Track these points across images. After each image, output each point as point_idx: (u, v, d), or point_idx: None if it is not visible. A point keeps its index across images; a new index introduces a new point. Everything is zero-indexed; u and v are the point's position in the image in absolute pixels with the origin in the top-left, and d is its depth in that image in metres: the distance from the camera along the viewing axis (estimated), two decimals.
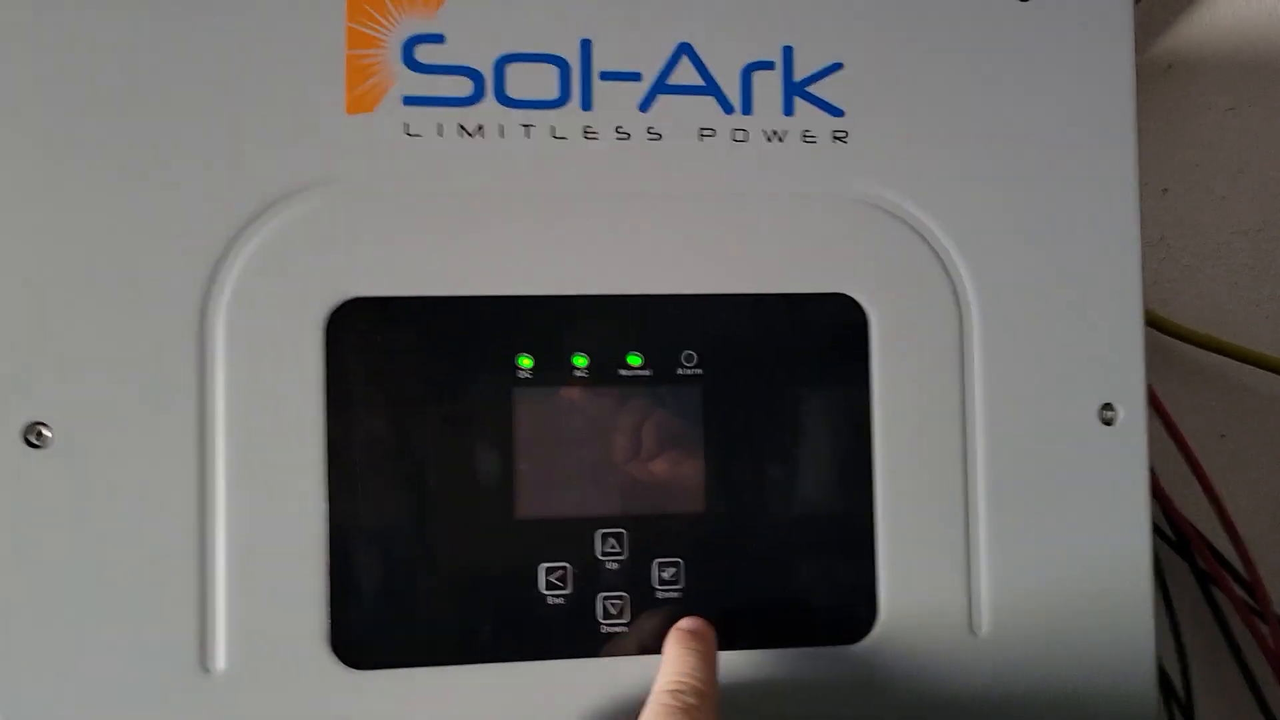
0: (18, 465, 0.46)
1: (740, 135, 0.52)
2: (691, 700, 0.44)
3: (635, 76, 0.52)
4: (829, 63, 0.53)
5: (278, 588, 0.47)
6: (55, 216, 0.47)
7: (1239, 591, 0.74)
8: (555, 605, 0.49)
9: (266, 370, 0.48)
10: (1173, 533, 0.76)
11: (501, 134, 0.50)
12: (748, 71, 0.52)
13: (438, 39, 0.50)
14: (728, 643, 0.50)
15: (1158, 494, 0.73)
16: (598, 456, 0.51)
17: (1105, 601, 0.53)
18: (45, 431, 0.46)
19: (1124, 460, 0.53)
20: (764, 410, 0.52)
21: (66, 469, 0.46)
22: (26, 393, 0.46)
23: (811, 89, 0.53)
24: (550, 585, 0.49)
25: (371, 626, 0.48)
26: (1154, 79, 0.82)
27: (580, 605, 0.50)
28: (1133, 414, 0.54)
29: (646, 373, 0.51)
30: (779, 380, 0.52)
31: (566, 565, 0.50)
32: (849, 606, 0.51)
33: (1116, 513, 0.53)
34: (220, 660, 0.47)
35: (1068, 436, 0.53)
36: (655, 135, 0.52)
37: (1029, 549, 0.52)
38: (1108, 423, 0.53)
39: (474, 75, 0.50)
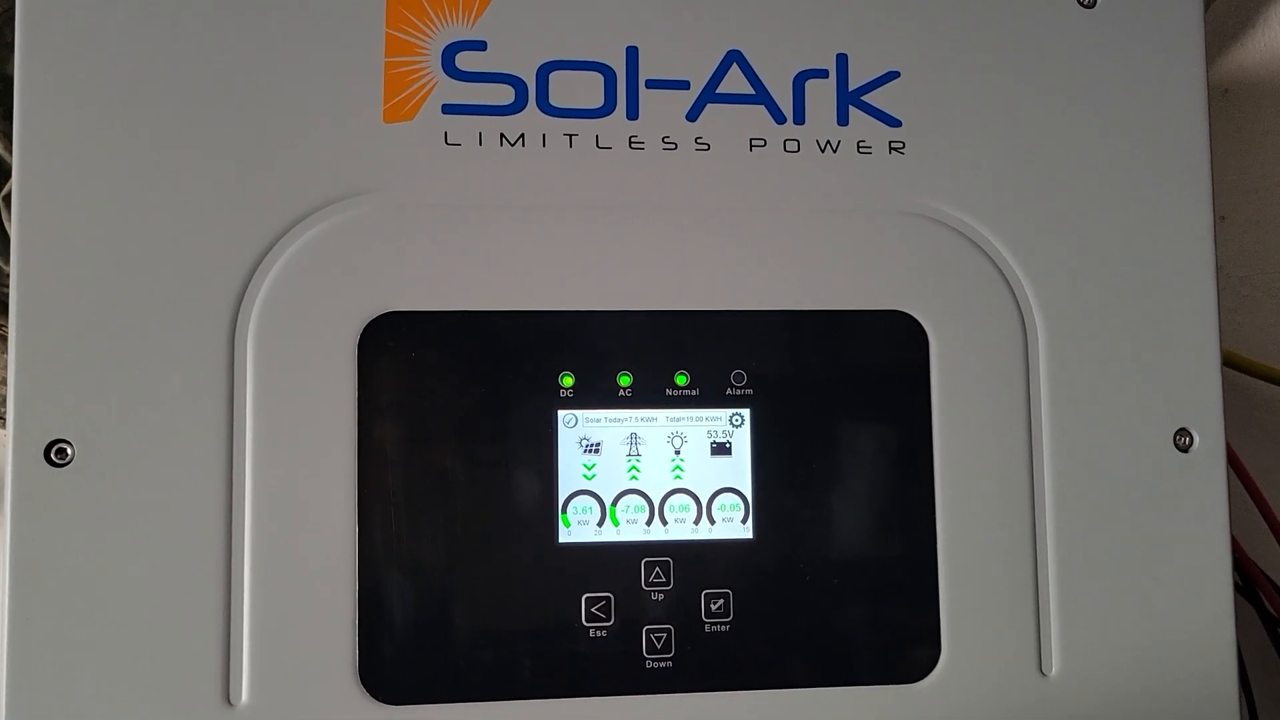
0: (39, 484, 0.44)
1: (792, 145, 0.51)
2: None
3: (683, 85, 0.50)
4: (885, 71, 0.51)
5: (305, 616, 0.46)
6: (79, 228, 0.46)
7: None
8: (597, 638, 0.47)
9: (297, 388, 0.46)
10: (1238, 575, 0.72)
11: (544, 143, 0.49)
12: (800, 80, 0.51)
13: (479, 46, 0.49)
14: (779, 680, 0.48)
15: None
16: None
17: (1183, 640, 0.50)
18: (68, 449, 0.45)
19: (1201, 489, 0.51)
20: (817, 433, 0.50)
21: (88, 489, 0.45)
22: (49, 408, 0.45)
23: (867, 98, 0.51)
24: (592, 617, 0.47)
25: (403, 659, 0.46)
26: (1211, 104, 0.79)
27: (624, 638, 0.48)
28: (1210, 440, 0.51)
29: (693, 393, 0.49)
30: (833, 401, 0.50)
31: (610, 596, 0.48)
32: (909, 643, 0.49)
33: (1194, 544, 0.50)
34: (244, 693, 0.45)
35: (1141, 464, 0.50)
36: (704, 145, 0.50)
37: (1101, 583, 0.50)
38: (1183, 449, 0.51)
39: (516, 83, 0.49)
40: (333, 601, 0.46)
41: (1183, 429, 0.51)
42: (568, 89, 0.49)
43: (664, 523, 0.48)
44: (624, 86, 0.50)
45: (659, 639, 0.48)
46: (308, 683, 0.45)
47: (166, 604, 0.45)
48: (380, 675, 0.46)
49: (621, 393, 0.49)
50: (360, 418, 0.47)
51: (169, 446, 0.45)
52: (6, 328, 0.51)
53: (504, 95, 0.49)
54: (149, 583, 0.45)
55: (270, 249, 0.47)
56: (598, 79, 0.50)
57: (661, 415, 0.49)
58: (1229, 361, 0.73)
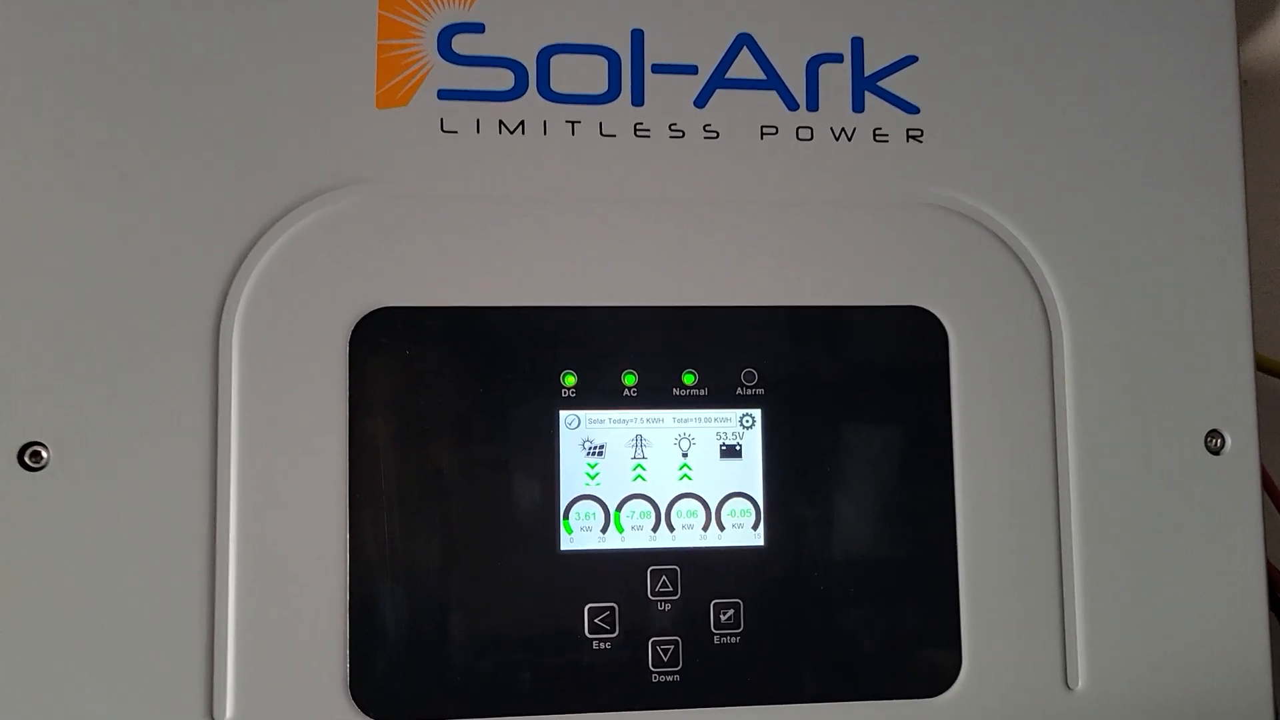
0: (12, 488, 0.43)
1: (805, 134, 0.49)
2: None
3: (691, 70, 0.49)
4: (902, 55, 0.50)
5: (293, 628, 0.44)
6: (54, 220, 0.44)
7: None
8: (601, 650, 0.46)
9: (285, 388, 0.45)
10: None
11: (545, 131, 0.48)
12: (814, 64, 0.50)
13: (477, 28, 0.48)
14: (792, 695, 0.47)
15: None
16: None
17: (1215, 651, 0.49)
18: (42, 452, 0.43)
19: (1234, 493, 0.49)
20: (831, 435, 0.48)
21: (64, 494, 0.43)
22: (22, 409, 0.43)
23: (883, 84, 0.50)
24: (595, 628, 0.46)
25: (396, 672, 0.45)
26: None
27: (628, 651, 0.46)
28: (1242, 441, 0.50)
29: (702, 392, 0.48)
30: (848, 402, 0.48)
31: (614, 606, 0.46)
32: (929, 655, 0.48)
33: (1226, 551, 0.49)
34: (229, 708, 0.43)
35: (1170, 467, 0.49)
36: (712, 133, 0.49)
37: (1128, 593, 0.48)
38: (1215, 452, 0.49)
39: (516, 67, 0.48)
40: (322, 612, 0.44)
41: (1214, 430, 0.50)
42: (570, 74, 0.48)
43: (671, 529, 0.47)
44: (629, 71, 0.48)
45: (665, 651, 0.46)
46: (296, 697, 0.44)
47: (147, 614, 0.43)
48: (372, 689, 0.44)
49: (626, 392, 0.47)
50: (352, 419, 0.45)
51: (149, 449, 0.44)
52: None
53: (503, 80, 0.48)
54: (128, 592, 0.43)
55: (257, 241, 0.45)
56: (601, 63, 0.48)
57: (668, 416, 0.48)
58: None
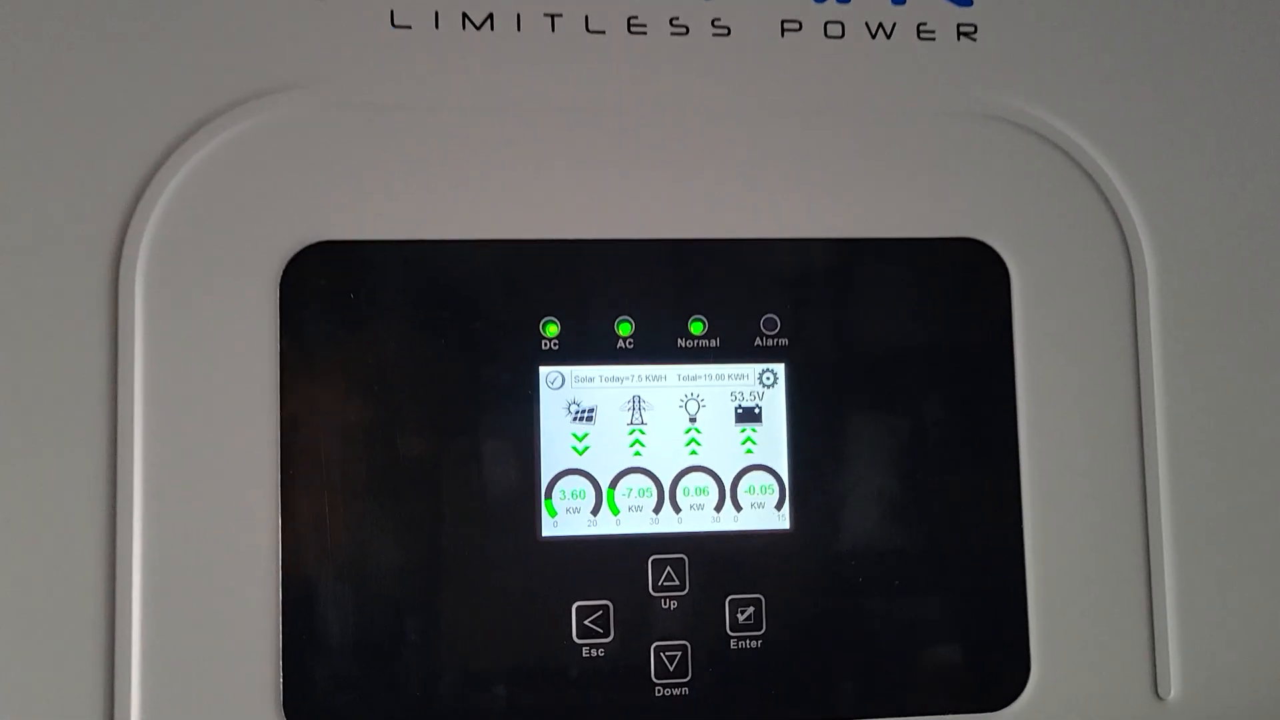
0: None
1: (835, 30, 0.46)
2: None
3: None
4: None
5: (213, 632, 0.41)
6: None
7: None
8: (592, 658, 0.43)
9: (200, 342, 0.42)
10: None
11: (518, 26, 0.45)
12: None
13: None
14: (822, 709, 0.44)
15: None
16: None
17: None
18: None
19: None
20: (869, 396, 0.45)
21: None
22: None
23: None
24: (585, 631, 0.43)
25: (339, 686, 0.42)
26: None
27: (626, 658, 0.43)
28: None
29: (712, 344, 0.45)
30: (890, 355, 0.46)
31: (608, 604, 0.43)
32: (990, 662, 0.45)
33: None
34: None
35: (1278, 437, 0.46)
36: (722, 30, 0.46)
37: (1229, 586, 0.45)
38: None
39: None
40: (250, 614, 0.41)
41: None
42: None
43: (676, 510, 0.44)
44: None
45: (671, 658, 0.43)
46: (217, 713, 0.41)
47: (33, 618, 0.40)
48: (310, 705, 0.42)
49: (621, 344, 0.45)
50: (283, 380, 0.42)
51: (33, 418, 0.41)
52: None
53: None
54: (9, 592, 0.40)
55: (165, 161, 0.42)
56: None
57: (672, 372, 0.45)
58: None
